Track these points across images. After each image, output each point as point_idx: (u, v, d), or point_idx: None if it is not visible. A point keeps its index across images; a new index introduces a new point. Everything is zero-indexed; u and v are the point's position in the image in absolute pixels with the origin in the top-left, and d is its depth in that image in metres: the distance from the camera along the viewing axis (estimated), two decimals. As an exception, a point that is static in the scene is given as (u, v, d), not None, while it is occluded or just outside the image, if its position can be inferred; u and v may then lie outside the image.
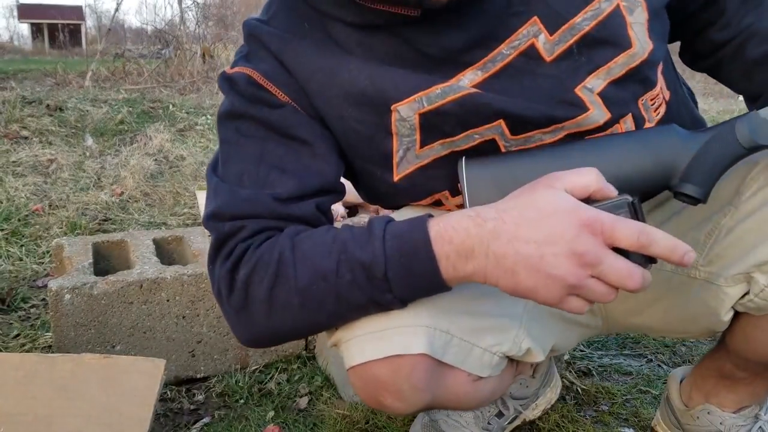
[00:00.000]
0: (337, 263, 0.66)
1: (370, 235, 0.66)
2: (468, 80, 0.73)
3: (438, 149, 0.76)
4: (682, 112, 0.89)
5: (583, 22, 0.73)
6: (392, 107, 0.74)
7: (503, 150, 0.77)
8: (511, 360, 0.84)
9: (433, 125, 0.74)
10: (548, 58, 0.73)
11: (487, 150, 0.76)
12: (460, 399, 0.81)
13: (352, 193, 0.94)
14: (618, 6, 0.72)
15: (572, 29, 0.73)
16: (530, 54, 0.73)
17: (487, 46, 0.72)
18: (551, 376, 1.15)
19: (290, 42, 0.75)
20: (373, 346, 0.73)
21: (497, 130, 0.75)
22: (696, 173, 0.72)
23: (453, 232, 0.63)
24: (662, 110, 0.83)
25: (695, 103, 0.97)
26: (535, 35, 0.72)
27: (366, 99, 0.74)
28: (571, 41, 0.73)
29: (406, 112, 0.73)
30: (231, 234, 0.71)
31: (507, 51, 0.73)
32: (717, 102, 6.65)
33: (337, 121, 0.76)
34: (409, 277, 0.65)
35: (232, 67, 0.78)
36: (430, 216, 0.66)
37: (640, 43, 0.74)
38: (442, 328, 0.74)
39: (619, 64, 0.74)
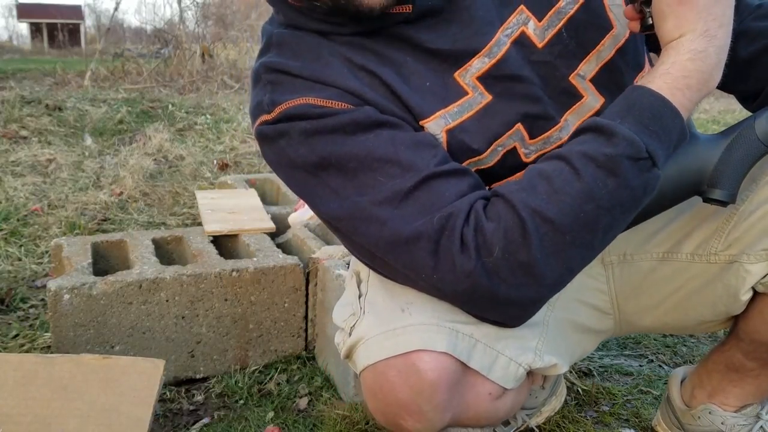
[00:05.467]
0: (593, 177, 0.64)
1: (601, 131, 0.66)
2: (476, 69, 0.74)
3: (463, 166, 0.76)
4: None
5: (567, 5, 0.76)
6: (421, 123, 0.74)
7: (524, 158, 0.77)
8: (527, 374, 0.83)
9: (460, 142, 0.74)
10: (540, 44, 0.76)
11: (510, 162, 0.77)
12: (479, 417, 0.80)
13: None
14: None
15: (558, 13, 0.76)
16: (523, 41, 0.75)
17: (486, 32, 0.74)
18: (558, 385, 1.15)
19: (316, 68, 0.73)
20: (391, 342, 0.72)
21: (518, 135, 0.76)
22: (722, 177, 0.74)
23: (685, 80, 0.66)
24: None
25: None
26: (524, 23, 0.75)
27: (397, 116, 0.73)
28: (560, 25, 0.75)
29: (434, 129, 0.74)
30: (442, 228, 0.67)
31: (503, 38, 0.74)
32: (717, 101, 6.65)
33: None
34: (662, 142, 0.66)
35: (270, 112, 0.73)
36: (636, 86, 0.69)
37: (620, 23, 0.77)
38: (465, 331, 0.74)
39: (607, 46, 0.77)
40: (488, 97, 0.74)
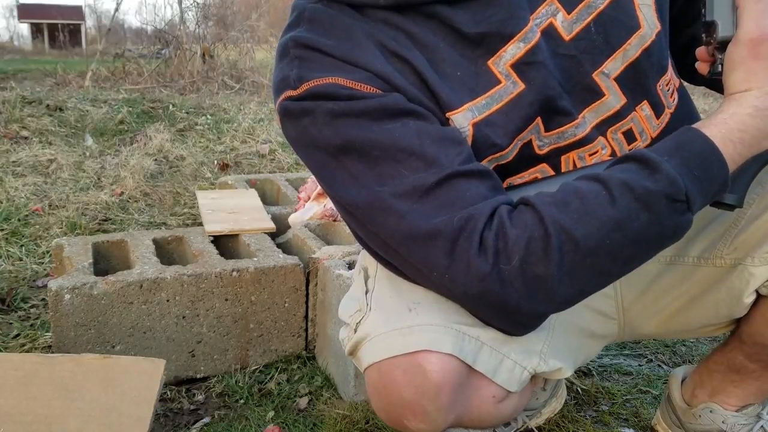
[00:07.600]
0: (627, 208, 0.64)
1: (646, 164, 0.65)
2: (510, 56, 0.73)
3: (486, 166, 0.75)
4: (688, 100, 0.90)
5: (598, 1, 0.75)
6: (447, 116, 0.73)
7: (537, 150, 0.77)
8: (531, 377, 0.83)
9: (485, 136, 0.73)
10: (567, 37, 0.75)
11: (524, 154, 0.77)
12: (482, 419, 0.80)
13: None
14: None
15: (588, 8, 0.75)
16: (550, 33, 0.74)
17: (521, 16, 0.73)
18: (558, 387, 1.15)
19: (348, 48, 0.71)
20: (398, 341, 0.72)
21: (536, 129, 0.76)
22: (730, 181, 0.73)
23: (740, 133, 0.65)
24: (676, 96, 0.84)
25: None
26: (553, 14, 0.74)
27: (425, 106, 0.72)
28: (588, 19, 0.75)
29: (461, 121, 0.73)
30: (462, 228, 0.65)
31: (534, 26, 0.74)
32: (717, 102, 6.65)
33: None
34: (703, 188, 0.65)
35: (296, 88, 0.71)
36: (689, 128, 0.68)
37: (648, 24, 0.76)
38: (472, 334, 0.73)
39: (634, 45, 0.76)
40: (521, 86, 0.73)
